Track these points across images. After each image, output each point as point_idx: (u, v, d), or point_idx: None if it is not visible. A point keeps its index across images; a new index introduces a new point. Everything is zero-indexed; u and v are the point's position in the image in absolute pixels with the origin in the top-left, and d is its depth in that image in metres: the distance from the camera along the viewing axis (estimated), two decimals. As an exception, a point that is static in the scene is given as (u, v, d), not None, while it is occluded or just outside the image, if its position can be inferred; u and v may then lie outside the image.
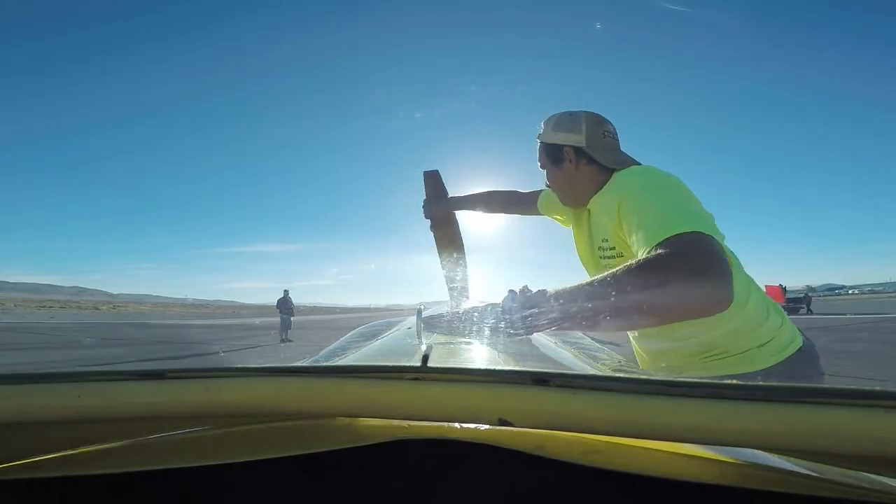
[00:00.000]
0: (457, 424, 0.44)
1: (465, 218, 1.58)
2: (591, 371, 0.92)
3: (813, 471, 0.39)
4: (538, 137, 1.19)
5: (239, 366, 0.41)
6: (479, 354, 1.01)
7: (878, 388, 0.31)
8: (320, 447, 0.46)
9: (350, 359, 1.10)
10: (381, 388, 0.40)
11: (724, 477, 0.41)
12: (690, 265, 0.80)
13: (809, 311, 22.33)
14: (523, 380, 0.37)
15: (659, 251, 0.82)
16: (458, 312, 1.06)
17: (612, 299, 0.78)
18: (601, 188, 1.11)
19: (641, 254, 0.86)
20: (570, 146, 1.12)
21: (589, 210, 1.16)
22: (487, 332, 0.93)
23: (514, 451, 0.43)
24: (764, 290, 1.16)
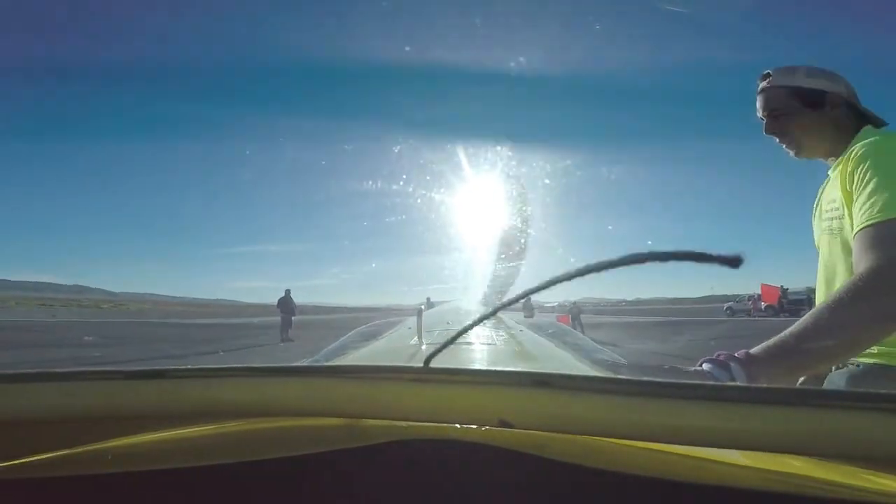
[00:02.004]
0: (457, 425, 0.44)
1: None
2: (591, 373, 0.92)
3: (814, 472, 0.39)
4: (779, 84, 1.10)
5: (239, 365, 0.41)
6: (480, 356, 1.00)
7: (876, 391, 0.32)
8: (320, 447, 0.46)
9: (350, 359, 1.10)
10: (382, 388, 0.40)
11: (725, 478, 0.41)
12: None
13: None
14: (524, 381, 0.37)
15: (875, 247, 0.78)
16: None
17: (835, 338, 0.75)
18: (849, 144, 1.03)
19: (859, 221, 0.83)
20: (835, 92, 1.07)
21: (828, 175, 1.10)
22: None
23: (515, 452, 0.43)
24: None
